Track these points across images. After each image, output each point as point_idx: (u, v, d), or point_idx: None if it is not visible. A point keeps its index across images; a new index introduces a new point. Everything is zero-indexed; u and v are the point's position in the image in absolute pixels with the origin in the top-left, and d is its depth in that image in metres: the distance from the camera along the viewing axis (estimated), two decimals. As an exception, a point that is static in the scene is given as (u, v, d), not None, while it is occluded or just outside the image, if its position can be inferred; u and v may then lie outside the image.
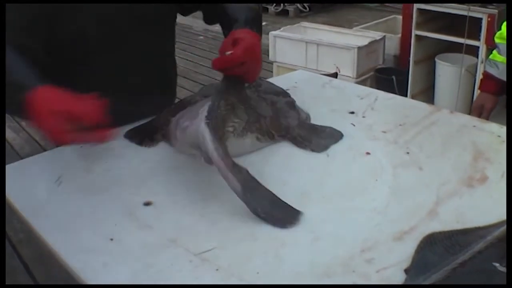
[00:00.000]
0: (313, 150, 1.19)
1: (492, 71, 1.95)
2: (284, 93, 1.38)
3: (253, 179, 0.99)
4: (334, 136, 1.24)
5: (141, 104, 1.35)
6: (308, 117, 1.33)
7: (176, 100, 1.47)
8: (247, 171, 0.98)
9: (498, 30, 1.97)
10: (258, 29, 1.24)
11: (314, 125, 1.29)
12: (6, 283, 1.14)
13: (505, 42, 1.91)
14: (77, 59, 1.26)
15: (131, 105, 1.29)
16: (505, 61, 1.91)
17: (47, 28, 1.19)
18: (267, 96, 1.30)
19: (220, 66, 1.15)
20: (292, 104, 1.33)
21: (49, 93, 0.99)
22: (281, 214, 0.97)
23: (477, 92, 2.92)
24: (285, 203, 0.98)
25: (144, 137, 1.26)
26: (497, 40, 1.97)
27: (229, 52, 1.12)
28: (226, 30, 1.26)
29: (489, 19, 2.83)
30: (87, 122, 0.93)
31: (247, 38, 1.15)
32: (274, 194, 0.99)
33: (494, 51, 1.98)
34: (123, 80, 1.32)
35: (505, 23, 1.93)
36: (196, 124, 1.03)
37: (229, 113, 1.12)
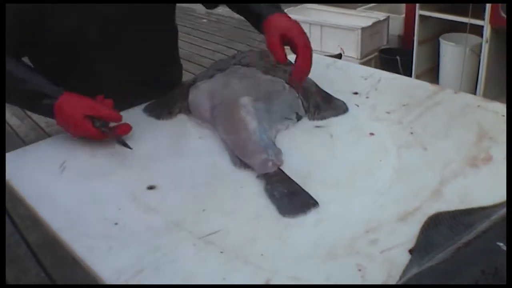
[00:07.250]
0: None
1: None
2: (292, 64, 1.40)
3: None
4: (342, 108, 1.29)
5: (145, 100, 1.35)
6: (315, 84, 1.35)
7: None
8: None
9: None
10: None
11: (328, 93, 1.32)
12: (15, 271, 1.15)
13: None
14: (76, 58, 1.25)
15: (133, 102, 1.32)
16: None
17: (43, 29, 1.18)
18: (279, 66, 1.33)
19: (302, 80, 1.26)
20: None
21: (75, 100, 1.13)
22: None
23: (483, 72, 2.89)
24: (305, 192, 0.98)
25: (162, 110, 1.29)
26: None
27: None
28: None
29: (493, -2, 2.80)
30: (112, 120, 1.15)
31: (302, 38, 1.28)
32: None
33: None
34: (125, 78, 1.31)
35: None
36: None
37: None
